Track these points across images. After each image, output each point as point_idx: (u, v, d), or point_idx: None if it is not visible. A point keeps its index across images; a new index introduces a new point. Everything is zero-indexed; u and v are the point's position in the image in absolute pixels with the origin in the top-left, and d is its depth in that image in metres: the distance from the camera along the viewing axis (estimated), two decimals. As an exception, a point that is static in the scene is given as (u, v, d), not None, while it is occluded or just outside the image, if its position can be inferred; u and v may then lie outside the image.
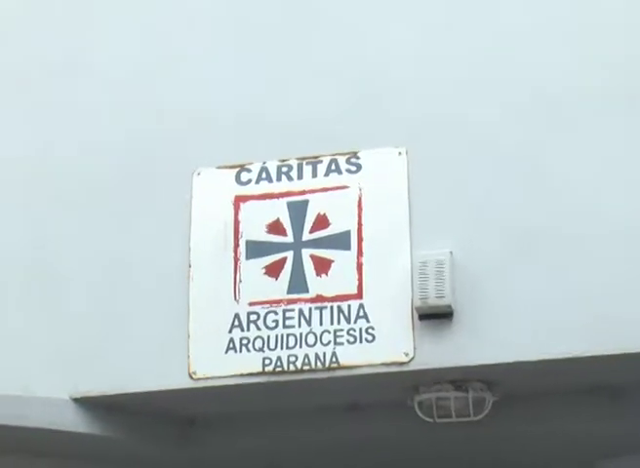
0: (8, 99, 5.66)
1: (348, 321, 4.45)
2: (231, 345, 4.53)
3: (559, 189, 4.56)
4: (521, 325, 4.33)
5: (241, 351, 4.52)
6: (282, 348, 4.48)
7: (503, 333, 4.33)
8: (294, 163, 4.79)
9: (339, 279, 4.54)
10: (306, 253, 4.61)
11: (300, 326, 4.50)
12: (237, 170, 4.81)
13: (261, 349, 4.50)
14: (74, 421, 4.72)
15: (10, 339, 4.96)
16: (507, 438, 5.03)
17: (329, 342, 4.44)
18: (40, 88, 5.57)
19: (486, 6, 5.03)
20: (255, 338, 4.51)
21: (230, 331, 4.54)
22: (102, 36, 5.58)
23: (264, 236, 4.69)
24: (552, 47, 4.92)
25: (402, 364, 4.31)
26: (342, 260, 4.56)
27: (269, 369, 4.45)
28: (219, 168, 4.84)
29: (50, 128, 5.42)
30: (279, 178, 4.77)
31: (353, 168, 4.70)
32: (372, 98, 4.88)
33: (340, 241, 4.60)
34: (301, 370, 4.42)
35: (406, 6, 5.10)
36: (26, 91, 5.62)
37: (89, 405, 4.72)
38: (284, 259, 4.62)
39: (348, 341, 4.43)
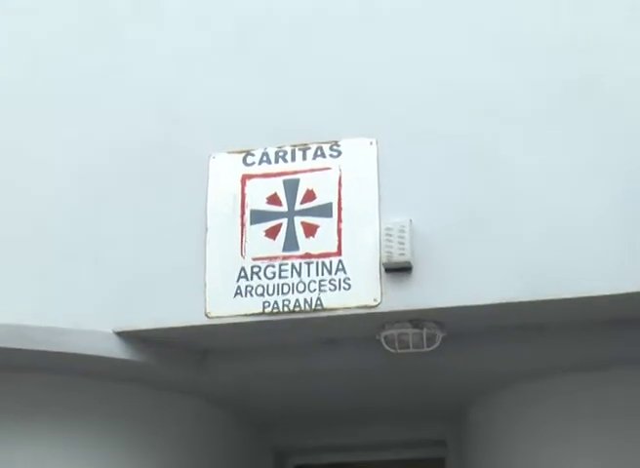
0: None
1: (330, 273, 4.68)
2: (238, 291, 4.74)
3: (501, 173, 4.75)
4: (464, 277, 4.55)
5: (246, 296, 4.72)
6: (278, 294, 4.69)
7: (450, 284, 4.55)
8: (288, 149, 4.95)
9: (323, 240, 4.75)
10: (298, 219, 4.81)
11: (292, 276, 4.70)
12: (244, 154, 4.98)
13: (262, 295, 4.71)
14: (115, 350, 4.89)
15: (65, 284, 5.07)
16: (452, 365, 5.15)
17: (315, 290, 4.65)
18: (71, 77, 5.58)
19: (446, 16, 5.15)
20: (257, 286, 4.72)
21: (237, 281, 4.76)
22: (129, 39, 5.60)
23: (265, 206, 4.88)
24: (501, 49, 5.01)
25: (371, 307, 4.55)
26: (326, 226, 4.76)
27: (268, 310, 4.67)
28: (229, 153, 5.00)
29: (87, 122, 5.44)
30: (277, 161, 4.95)
31: (335, 153, 4.89)
32: (349, 100, 5.03)
33: (324, 210, 4.80)
34: (293, 312, 4.64)
35: (379, 22, 5.19)
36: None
37: (126, 337, 4.89)
38: (280, 225, 4.82)
39: (330, 289, 4.64)
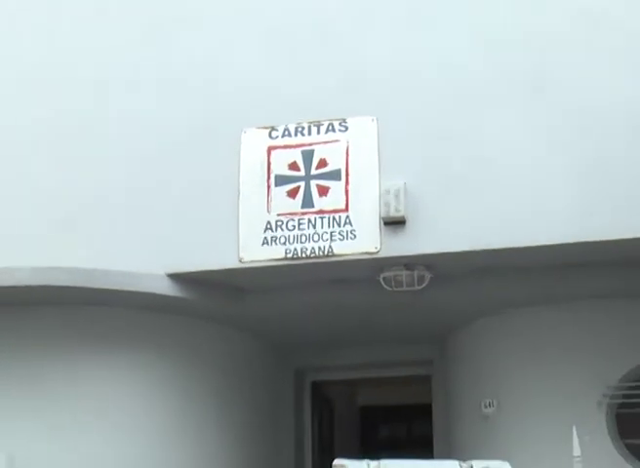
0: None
1: (339, 226, 4.80)
2: (265, 241, 4.88)
3: (477, 144, 4.85)
4: (448, 228, 4.69)
5: (271, 245, 4.87)
6: (297, 243, 4.84)
7: (437, 234, 4.70)
8: (305, 125, 5.02)
9: (333, 199, 4.87)
10: (313, 182, 4.92)
11: (308, 229, 4.83)
12: (269, 129, 5.06)
13: (284, 243, 4.86)
14: (166, 288, 5.05)
15: (127, 236, 5.16)
16: (438, 300, 5.30)
17: (327, 239, 4.80)
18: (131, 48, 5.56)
19: (437, 14, 5.15)
20: (280, 237, 4.87)
21: (264, 232, 4.89)
22: (176, 34, 5.52)
23: (286, 172, 4.97)
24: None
25: (373, 253, 4.73)
26: (336, 187, 4.88)
27: (289, 256, 4.83)
28: (258, 128, 5.07)
29: (143, 105, 5.43)
30: (296, 135, 5.02)
31: (343, 129, 4.97)
32: (355, 85, 5.07)
33: (334, 175, 4.91)
34: (309, 257, 4.81)
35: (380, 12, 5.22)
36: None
37: (176, 278, 5.05)
38: (299, 187, 4.94)
39: (339, 239, 4.79)
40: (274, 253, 4.89)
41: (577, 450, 2.26)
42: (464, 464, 2.31)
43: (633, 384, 5.13)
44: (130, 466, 5.21)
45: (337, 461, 2.33)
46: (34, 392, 5.12)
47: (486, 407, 5.57)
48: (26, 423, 5.05)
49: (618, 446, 5.08)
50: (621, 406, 5.14)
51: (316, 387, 7.29)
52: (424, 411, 7.03)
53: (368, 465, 2.32)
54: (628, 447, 5.05)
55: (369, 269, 4.90)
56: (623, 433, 5.09)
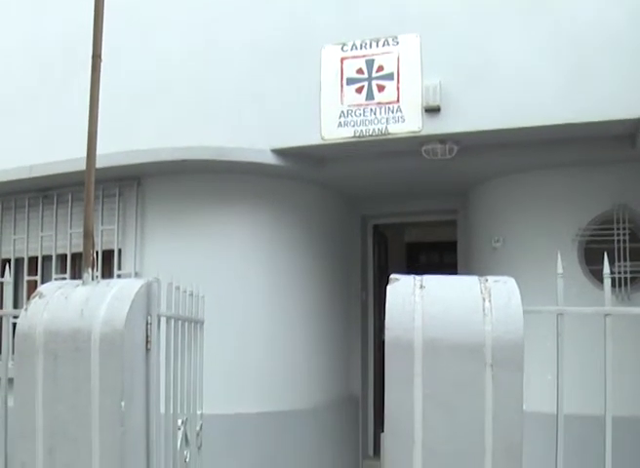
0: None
1: (393, 112, 4.82)
2: (340, 124, 4.94)
3: (493, 50, 4.70)
4: (470, 114, 4.67)
5: (344, 127, 4.93)
6: (362, 126, 4.88)
7: (462, 118, 4.69)
8: (368, 41, 5.00)
9: (388, 93, 4.86)
10: (373, 82, 4.91)
11: (370, 115, 4.81)
12: (341, 45, 5.04)
13: (353, 126, 4.90)
14: (270, 159, 5.20)
15: (239, 119, 5.16)
16: (463, 165, 5.37)
17: (384, 123, 4.84)
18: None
19: None
20: (350, 121, 4.90)
21: (339, 118, 4.94)
22: None
23: (354, 75, 4.98)
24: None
25: (416, 132, 4.79)
26: (390, 86, 4.87)
27: (357, 135, 4.89)
28: (334, 44, 5.06)
29: (228, 21, 5.29)
30: (361, 48, 4.99)
31: (395, 43, 4.93)
32: (403, 10, 4.99)
33: (389, 77, 4.89)
34: (371, 136, 4.84)
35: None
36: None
37: (277, 152, 5.18)
38: (363, 85, 4.94)
39: (393, 122, 4.81)
40: (346, 133, 4.93)
41: (560, 268, 2.48)
42: (482, 278, 2.30)
43: (597, 226, 5.28)
44: (247, 284, 5.48)
45: (392, 276, 2.31)
46: (185, 233, 5.49)
47: (495, 242, 5.65)
48: (183, 247, 5.43)
49: (584, 271, 5.25)
50: (588, 242, 5.29)
51: (376, 228, 7.36)
52: (451, 246, 7.09)
53: (414, 278, 2.30)
54: (592, 272, 5.19)
55: (413, 144, 4.94)
56: (589, 262, 5.25)
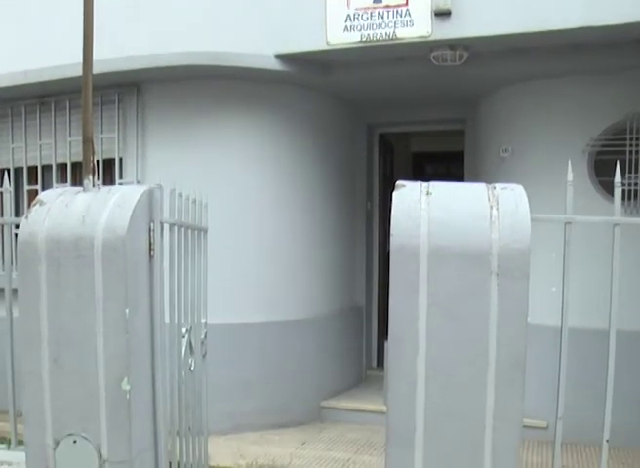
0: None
1: (401, 16, 4.65)
2: (346, 28, 4.80)
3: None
4: (480, 19, 4.49)
5: (351, 31, 4.79)
6: (370, 30, 4.77)
7: (472, 23, 4.60)
8: None
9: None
10: None
11: (378, 19, 4.68)
12: None
13: (360, 30, 4.82)
14: (274, 65, 5.17)
15: (240, 31, 5.11)
16: (472, 72, 5.23)
17: (392, 27, 4.75)
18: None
19: None
20: (357, 25, 4.76)
21: (345, 21, 4.78)
22: None
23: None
24: None
25: (426, 37, 4.72)
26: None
27: (364, 39, 4.84)
28: None
29: None
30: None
31: None
32: None
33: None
34: (379, 40, 4.79)
35: None
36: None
37: (281, 57, 5.16)
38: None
39: (401, 26, 4.73)
40: (352, 38, 4.86)
41: (570, 176, 2.43)
42: (490, 186, 2.26)
43: (609, 137, 5.21)
44: (248, 193, 5.53)
45: (399, 182, 2.27)
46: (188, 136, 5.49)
47: (503, 152, 5.63)
48: (184, 156, 5.46)
49: (594, 182, 5.25)
50: (599, 153, 5.24)
51: (382, 137, 7.31)
52: (458, 157, 7.04)
53: (421, 185, 2.25)
54: (601, 183, 5.19)
55: (422, 49, 4.89)
56: (598, 174, 5.22)
